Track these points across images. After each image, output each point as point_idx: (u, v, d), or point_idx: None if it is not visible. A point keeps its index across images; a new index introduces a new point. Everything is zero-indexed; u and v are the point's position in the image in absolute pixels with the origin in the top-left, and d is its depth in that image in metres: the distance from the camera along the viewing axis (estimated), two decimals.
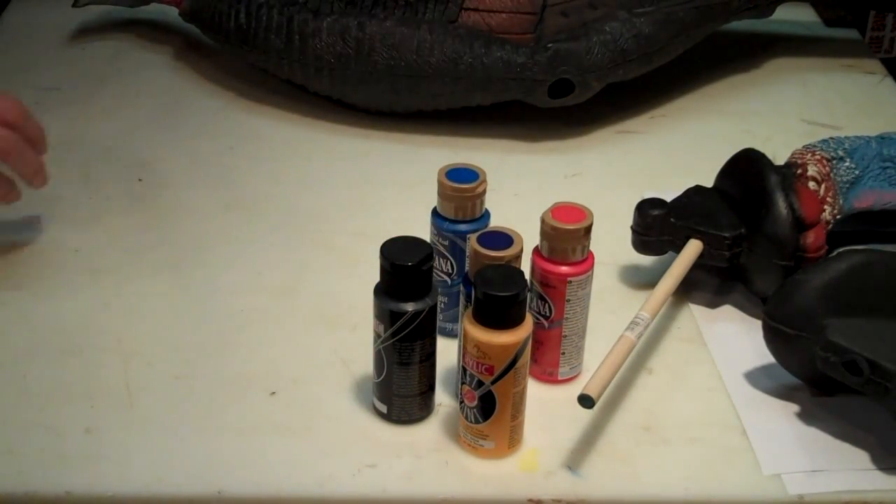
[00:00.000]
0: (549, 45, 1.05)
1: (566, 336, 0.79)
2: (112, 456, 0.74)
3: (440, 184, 0.80)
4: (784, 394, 0.81)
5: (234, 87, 1.16)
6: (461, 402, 0.75)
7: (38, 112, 1.10)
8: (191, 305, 0.87)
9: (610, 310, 0.86)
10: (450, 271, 0.82)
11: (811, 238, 0.85)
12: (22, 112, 0.87)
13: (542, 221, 0.77)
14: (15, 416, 0.77)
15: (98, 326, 0.84)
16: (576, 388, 0.73)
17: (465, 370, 0.73)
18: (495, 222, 0.81)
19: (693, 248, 0.86)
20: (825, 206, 0.88)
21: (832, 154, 0.90)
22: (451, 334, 0.82)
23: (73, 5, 1.23)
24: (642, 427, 0.78)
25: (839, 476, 0.75)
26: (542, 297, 0.78)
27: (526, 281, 0.72)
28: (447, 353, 0.79)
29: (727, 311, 0.89)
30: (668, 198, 0.90)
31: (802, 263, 0.84)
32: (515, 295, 0.70)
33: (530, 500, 0.73)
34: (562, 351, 0.80)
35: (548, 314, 0.79)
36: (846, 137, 0.93)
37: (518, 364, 0.72)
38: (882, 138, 0.92)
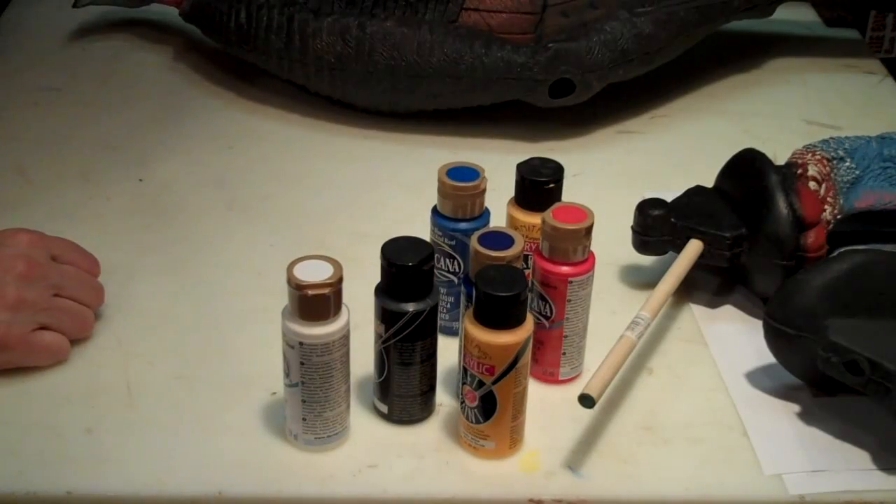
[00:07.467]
0: (550, 44, 1.05)
1: (567, 336, 0.79)
2: (113, 456, 0.74)
3: (440, 182, 0.80)
4: (785, 394, 0.81)
5: (234, 87, 1.16)
6: (462, 402, 0.75)
7: (38, 112, 1.12)
8: (191, 305, 0.87)
9: (610, 310, 0.86)
10: (456, 270, 0.82)
11: (811, 238, 0.85)
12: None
13: (543, 221, 0.77)
14: (15, 416, 0.77)
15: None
16: (576, 388, 0.73)
17: (465, 370, 0.73)
18: (495, 222, 0.81)
19: (693, 248, 0.86)
20: (825, 206, 0.88)
21: (832, 154, 0.90)
22: (457, 334, 0.82)
23: (74, 5, 1.23)
24: (643, 427, 0.78)
25: (840, 476, 0.75)
26: (542, 298, 0.78)
27: (527, 281, 0.72)
28: (448, 352, 0.79)
29: (727, 311, 0.89)
30: (668, 198, 0.89)
31: (803, 263, 0.84)
32: (516, 295, 0.70)
33: (531, 500, 0.73)
34: (562, 351, 0.80)
35: (549, 314, 0.79)
36: (846, 137, 0.93)
37: (519, 364, 0.72)
38: (882, 138, 0.92)
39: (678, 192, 0.91)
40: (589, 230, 0.77)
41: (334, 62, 1.06)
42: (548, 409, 0.79)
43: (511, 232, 0.77)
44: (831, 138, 0.92)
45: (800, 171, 0.88)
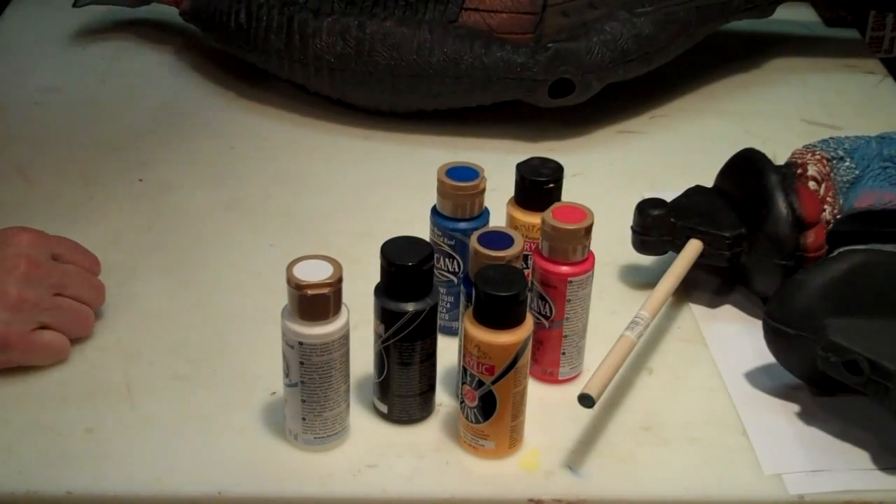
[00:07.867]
0: (550, 45, 1.05)
1: (567, 336, 0.79)
2: (113, 456, 0.74)
3: (440, 182, 0.80)
4: (784, 394, 0.81)
5: (234, 87, 1.16)
6: (462, 401, 0.75)
7: (39, 112, 1.12)
8: (191, 305, 0.87)
9: (610, 310, 0.86)
10: (456, 270, 0.82)
11: (811, 238, 0.85)
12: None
13: (543, 221, 0.77)
14: (15, 416, 0.77)
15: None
16: (576, 388, 0.73)
17: (465, 370, 0.73)
18: (495, 222, 0.81)
19: (693, 247, 0.86)
20: (825, 206, 0.88)
21: (832, 154, 0.90)
22: (457, 333, 0.82)
23: (74, 5, 1.23)
24: (642, 427, 0.78)
25: (840, 476, 0.75)
26: (542, 297, 0.78)
27: (526, 281, 0.72)
28: (448, 352, 0.79)
29: (727, 310, 0.89)
30: (668, 198, 0.90)
31: (803, 263, 0.84)
32: (516, 295, 0.70)
33: (531, 500, 0.73)
34: (562, 351, 0.80)
35: (548, 314, 0.79)
36: (846, 137, 0.93)
37: (519, 364, 0.72)
38: (882, 138, 0.92)
39: (678, 192, 0.91)
40: (589, 230, 0.77)
41: (334, 62, 1.07)
42: (547, 408, 0.79)
43: (511, 232, 0.77)
44: (831, 138, 0.92)
45: (799, 171, 0.88)
